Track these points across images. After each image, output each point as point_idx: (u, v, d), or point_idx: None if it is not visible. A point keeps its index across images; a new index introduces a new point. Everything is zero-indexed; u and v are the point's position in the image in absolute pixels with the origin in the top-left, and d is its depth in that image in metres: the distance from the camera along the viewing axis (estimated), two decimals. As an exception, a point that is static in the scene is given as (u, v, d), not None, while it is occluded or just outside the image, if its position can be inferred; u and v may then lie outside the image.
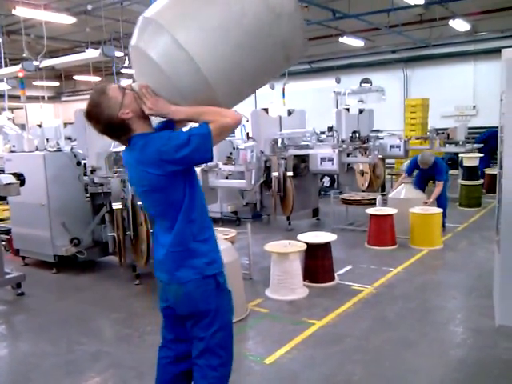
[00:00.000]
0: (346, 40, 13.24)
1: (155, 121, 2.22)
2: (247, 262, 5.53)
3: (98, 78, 18.51)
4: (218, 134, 2.04)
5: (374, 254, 6.40)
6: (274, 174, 7.72)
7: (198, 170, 5.20)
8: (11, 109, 15.31)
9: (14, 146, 7.96)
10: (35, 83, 16.76)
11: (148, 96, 2.03)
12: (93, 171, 5.74)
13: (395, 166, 12.50)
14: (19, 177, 5.07)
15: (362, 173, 9.74)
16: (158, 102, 2.03)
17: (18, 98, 10.82)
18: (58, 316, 4.75)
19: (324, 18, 12.03)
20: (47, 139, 8.54)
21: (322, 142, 8.90)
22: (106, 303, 5.03)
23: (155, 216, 2.27)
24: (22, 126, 10.32)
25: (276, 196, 7.78)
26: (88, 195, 5.97)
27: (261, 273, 5.59)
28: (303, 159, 8.23)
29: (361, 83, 15.07)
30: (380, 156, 9.14)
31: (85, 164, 5.98)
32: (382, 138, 9.89)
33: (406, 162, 8.57)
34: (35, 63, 10.47)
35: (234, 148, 7.89)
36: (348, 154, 8.29)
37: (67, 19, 10.45)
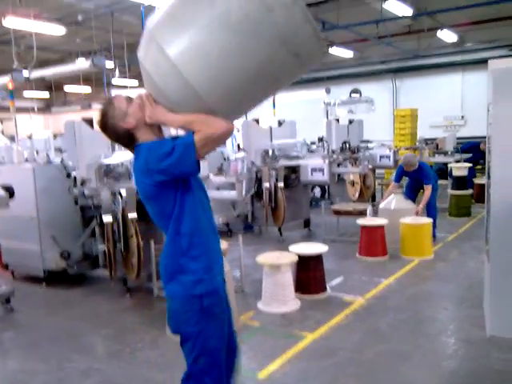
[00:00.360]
0: (335, 51, 13.37)
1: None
2: (239, 274, 5.51)
3: (88, 89, 18.48)
4: (203, 144, 1.92)
5: (366, 265, 6.41)
6: (265, 184, 7.72)
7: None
8: (0, 120, 15.24)
9: (3, 158, 7.89)
10: (25, 94, 16.70)
11: (148, 104, 2.04)
12: (83, 183, 5.70)
13: (385, 176, 12.59)
14: (8, 189, 5.02)
15: (353, 183, 9.79)
16: (156, 110, 2.02)
17: (7, 109, 10.77)
18: (48, 332, 4.68)
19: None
20: (37, 151, 8.47)
21: (312, 152, 8.96)
22: (96, 318, 4.97)
23: (157, 225, 2.25)
24: (12, 138, 10.24)
25: (267, 207, 7.78)
26: (78, 208, 5.92)
27: (252, 285, 5.57)
28: (294, 170, 8.25)
29: (350, 94, 15.20)
30: (370, 166, 9.18)
31: (75, 176, 5.94)
32: (372, 149, 9.95)
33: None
34: (25, 74, 10.45)
35: (224, 159, 7.89)
36: (338, 165, 8.34)
37: (58, 30, 10.45)
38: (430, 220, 6.75)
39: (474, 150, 10.79)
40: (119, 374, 3.75)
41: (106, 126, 2.12)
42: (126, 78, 14.53)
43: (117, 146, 5.84)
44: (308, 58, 1.90)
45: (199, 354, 2.13)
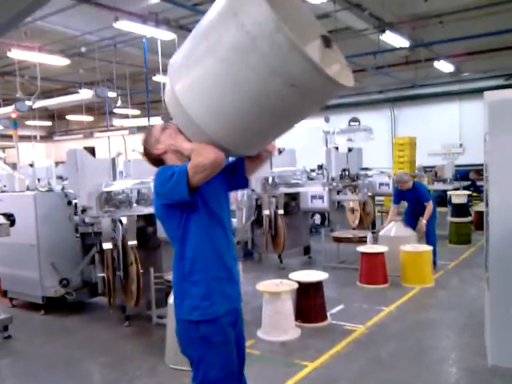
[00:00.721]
0: (334, 81, 13.55)
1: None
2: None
3: (90, 118, 18.70)
4: (193, 173, 1.95)
5: (366, 293, 6.37)
6: (265, 212, 7.75)
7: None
8: (3, 148, 15.37)
9: (4, 186, 7.94)
10: (28, 123, 16.90)
11: (173, 133, 2.14)
12: (83, 211, 5.72)
13: (385, 203, 12.62)
14: (9, 217, 5.05)
15: (353, 210, 9.80)
16: (177, 138, 2.11)
17: (10, 137, 10.90)
18: (46, 360, 4.63)
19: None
20: (38, 179, 8.54)
21: (312, 180, 8.99)
22: (94, 346, 4.92)
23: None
24: (14, 166, 10.32)
25: (267, 234, 7.79)
26: (78, 235, 5.94)
27: (252, 313, 5.53)
28: (294, 197, 8.29)
29: (349, 122, 15.36)
30: (369, 194, 9.22)
31: (76, 203, 5.98)
32: (371, 176, 10.01)
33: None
34: (28, 103, 10.59)
35: (224, 186, 7.92)
36: (338, 192, 8.37)
37: (61, 61, 10.66)
38: (430, 247, 6.75)
39: (465, 179, 11.05)
40: (117, 403, 3.70)
41: (144, 150, 2.27)
42: (127, 107, 14.72)
43: (118, 175, 5.92)
44: (310, 89, 1.76)
45: (201, 382, 2.14)
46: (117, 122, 15.92)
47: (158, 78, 11.30)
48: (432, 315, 5.49)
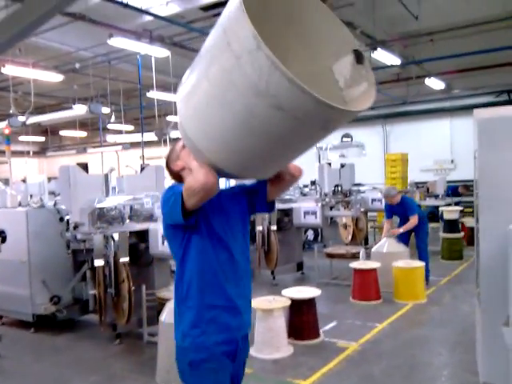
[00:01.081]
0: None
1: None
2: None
3: (84, 134, 18.70)
4: (187, 195, 1.93)
5: (359, 309, 6.36)
6: (258, 228, 7.75)
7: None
8: (-5, 163, 15.30)
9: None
10: (21, 138, 16.87)
11: (185, 152, 2.13)
12: (76, 227, 5.69)
13: (377, 219, 12.65)
14: (0, 234, 5.03)
15: (345, 226, 9.81)
16: (189, 158, 2.04)
17: (2, 152, 10.86)
18: (35, 379, 4.57)
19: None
20: (31, 195, 8.51)
21: (305, 195, 9.04)
22: (84, 365, 4.86)
23: None
24: (6, 181, 10.29)
25: (260, 250, 7.77)
26: (70, 251, 5.89)
27: (245, 330, 5.49)
28: (287, 213, 8.30)
29: (342, 138, 15.46)
30: (362, 209, 9.27)
31: (68, 220, 5.95)
32: (364, 192, 10.07)
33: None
34: (21, 119, 10.60)
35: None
36: (331, 208, 8.40)
37: (55, 77, 10.68)
38: (422, 263, 6.76)
39: (454, 194, 11.16)
40: (106, 423, 3.65)
41: (166, 165, 2.28)
42: (121, 123, 14.75)
43: (111, 190, 5.90)
44: (302, 112, 1.60)
45: None
46: (110, 137, 15.93)
47: (151, 94, 11.33)
48: (424, 332, 5.48)
